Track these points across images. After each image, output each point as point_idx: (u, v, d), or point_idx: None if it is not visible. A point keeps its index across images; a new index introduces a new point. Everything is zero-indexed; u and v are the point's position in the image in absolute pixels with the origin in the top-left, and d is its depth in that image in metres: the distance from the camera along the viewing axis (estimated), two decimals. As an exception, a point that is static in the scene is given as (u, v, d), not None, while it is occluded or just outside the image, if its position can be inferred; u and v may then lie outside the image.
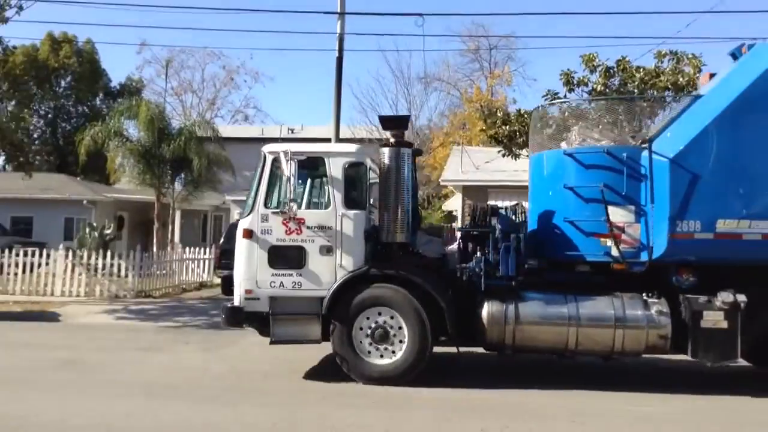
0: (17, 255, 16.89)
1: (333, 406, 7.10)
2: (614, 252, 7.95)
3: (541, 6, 44.13)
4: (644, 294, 7.97)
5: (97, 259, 16.94)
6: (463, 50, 39.32)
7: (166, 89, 38.73)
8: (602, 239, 8.00)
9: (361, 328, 7.98)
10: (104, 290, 16.55)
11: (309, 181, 8.57)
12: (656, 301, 7.85)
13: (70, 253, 17.11)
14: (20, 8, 15.81)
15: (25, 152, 25.14)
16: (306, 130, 35.99)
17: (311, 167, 8.31)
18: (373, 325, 7.97)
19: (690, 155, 7.68)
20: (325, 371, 8.48)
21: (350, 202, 8.18)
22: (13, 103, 33.12)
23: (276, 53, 67.37)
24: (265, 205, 8.14)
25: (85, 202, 28.96)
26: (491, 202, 10.32)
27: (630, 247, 7.93)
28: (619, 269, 8.05)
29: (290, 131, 36.19)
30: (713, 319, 7.63)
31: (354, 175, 8.31)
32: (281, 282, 8.04)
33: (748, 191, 7.61)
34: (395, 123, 8.54)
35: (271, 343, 8.12)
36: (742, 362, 8.12)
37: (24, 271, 16.74)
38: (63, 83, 41.77)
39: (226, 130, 32.76)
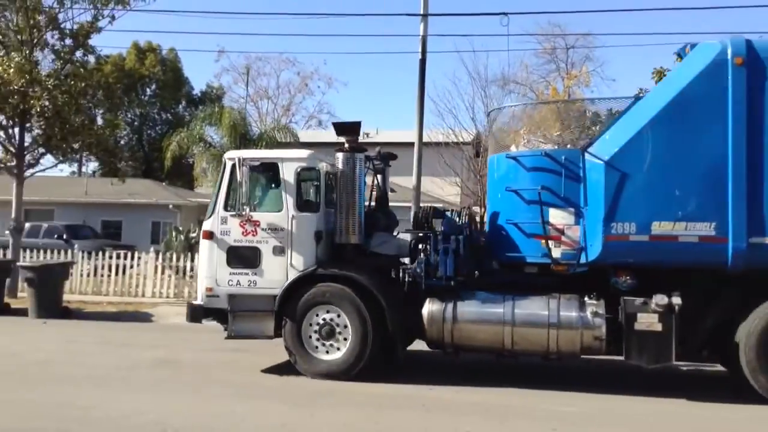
0: (110, 257, 17.67)
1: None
2: (554, 254, 8.02)
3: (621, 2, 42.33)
4: (586, 296, 7.98)
5: (184, 261, 17.27)
6: (539, 50, 38.72)
7: (247, 96, 40.36)
8: (542, 241, 8.09)
9: (311, 325, 8.44)
10: (192, 292, 16.59)
11: (265, 185, 9.08)
12: (594, 302, 7.87)
13: (159, 256, 17.61)
14: (113, 18, 16.73)
15: (118, 158, 27.00)
16: (381, 134, 36.58)
17: (266, 172, 8.85)
18: (320, 322, 8.42)
19: (625, 157, 7.66)
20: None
21: (302, 205, 8.68)
22: (103, 111, 35.55)
23: (349, 58, 67.60)
24: (225, 208, 8.76)
25: (170, 206, 30.78)
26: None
27: (570, 249, 7.99)
28: (559, 271, 8.11)
29: (366, 135, 36.88)
30: (647, 321, 7.57)
31: (306, 180, 8.79)
32: (238, 280, 8.63)
33: (684, 193, 7.51)
34: (348, 129, 8.94)
35: (227, 338, 8.74)
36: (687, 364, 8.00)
37: (116, 273, 17.47)
38: (148, 91, 44.41)
39: (301, 135, 33.86)
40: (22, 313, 13.93)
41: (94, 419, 6.53)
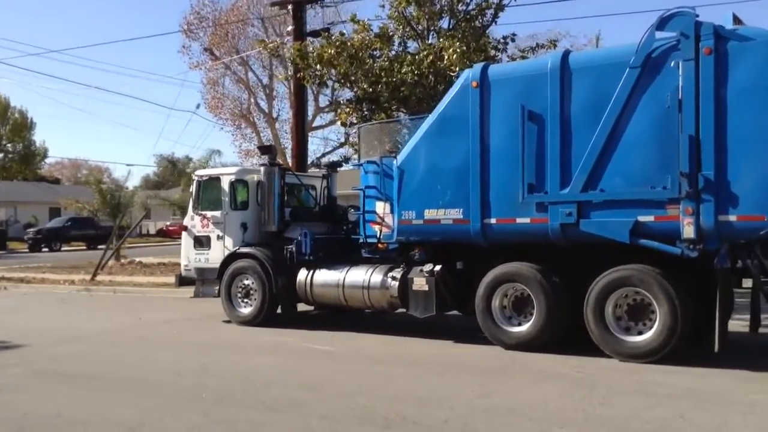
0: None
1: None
2: (378, 234, 10.88)
3: None
4: (399, 265, 10.69)
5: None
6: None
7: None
8: (374, 225, 10.97)
9: (236, 287, 12.22)
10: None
11: (213, 192, 12.98)
12: (396, 270, 10.58)
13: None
14: None
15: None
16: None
17: (215, 183, 12.79)
18: (242, 286, 12.16)
19: (408, 161, 10.26)
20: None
21: (234, 206, 12.52)
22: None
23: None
24: (193, 209, 12.93)
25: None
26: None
27: (389, 231, 10.77)
28: (383, 248, 10.95)
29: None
30: (419, 283, 10.15)
31: (237, 188, 12.61)
32: (199, 258, 12.76)
33: (442, 187, 9.93)
34: (266, 150, 12.62)
35: (193, 297, 12.90)
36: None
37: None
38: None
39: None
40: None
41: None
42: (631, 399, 6.63)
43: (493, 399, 6.73)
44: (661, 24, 8.28)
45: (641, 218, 8.31)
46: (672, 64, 8.19)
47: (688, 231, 7.97)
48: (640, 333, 8.44)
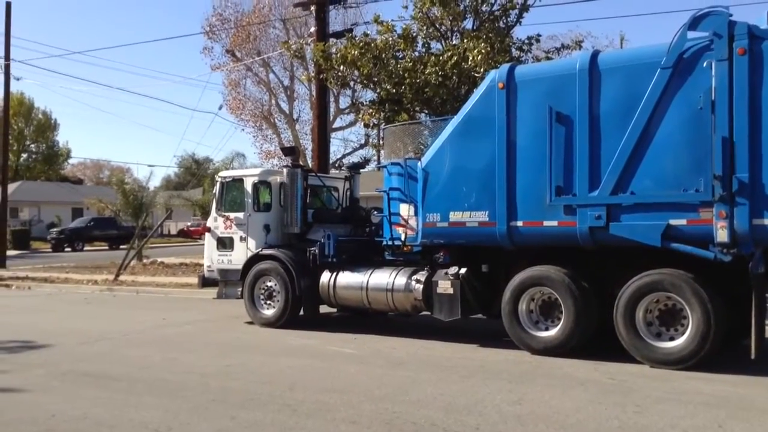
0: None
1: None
2: (402, 237, 10.80)
3: None
4: (423, 269, 10.60)
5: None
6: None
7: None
8: (398, 228, 10.89)
9: (259, 289, 12.18)
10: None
11: (236, 194, 12.95)
12: (420, 273, 10.48)
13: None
14: None
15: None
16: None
17: (238, 185, 12.77)
18: (265, 288, 12.12)
19: (433, 163, 10.18)
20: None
21: (257, 207, 12.48)
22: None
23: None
24: (216, 210, 12.91)
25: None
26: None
27: (413, 234, 10.68)
28: (407, 250, 10.86)
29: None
30: (443, 286, 10.05)
31: (260, 189, 12.57)
32: (222, 259, 12.74)
33: (467, 189, 9.82)
34: (289, 152, 12.55)
35: (216, 298, 12.88)
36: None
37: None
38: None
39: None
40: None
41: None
42: (666, 407, 6.47)
43: (523, 406, 6.61)
44: (694, 23, 8.12)
45: (673, 221, 8.14)
46: (704, 65, 8.02)
47: (722, 235, 7.80)
48: (671, 339, 8.28)
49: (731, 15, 7.94)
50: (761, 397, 6.85)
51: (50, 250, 42.70)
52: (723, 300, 8.10)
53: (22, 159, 69.51)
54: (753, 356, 7.59)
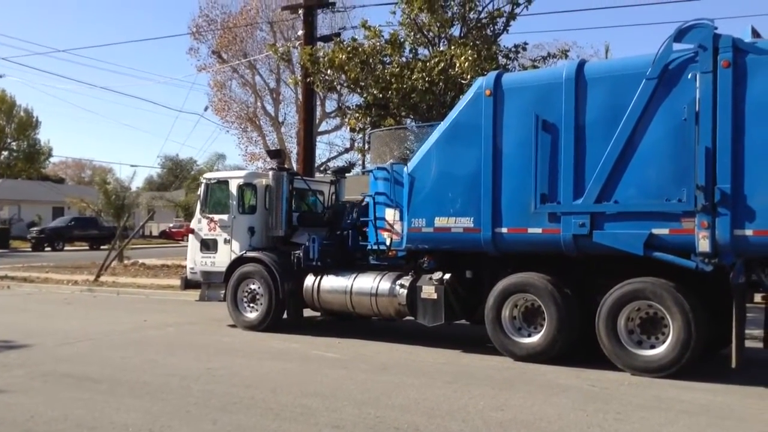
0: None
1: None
2: (387, 242, 10.79)
3: None
4: (408, 273, 10.60)
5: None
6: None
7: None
8: (383, 232, 10.89)
9: (242, 292, 12.12)
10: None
11: (221, 196, 12.91)
12: (404, 278, 10.49)
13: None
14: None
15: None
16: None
17: (223, 187, 12.72)
18: (248, 290, 12.06)
19: (419, 168, 10.18)
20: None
21: (242, 209, 12.44)
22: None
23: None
24: (200, 212, 12.85)
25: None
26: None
27: (398, 238, 10.68)
28: (392, 255, 10.86)
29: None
30: (428, 291, 10.06)
31: (245, 192, 12.52)
32: (206, 261, 12.67)
33: (453, 195, 9.84)
34: (275, 155, 12.53)
35: (198, 300, 12.80)
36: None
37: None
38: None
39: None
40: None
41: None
42: (646, 414, 6.53)
43: (506, 412, 6.63)
44: (679, 36, 8.22)
45: (655, 231, 8.22)
46: (689, 76, 8.12)
47: (704, 245, 7.89)
48: (652, 347, 8.35)
49: (716, 28, 8.05)
50: (741, 406, 6.92)
51: (30, 249, 42.23)
52: (704, 309, 8.18)
53: (2, 157, 68.77)
54: (733, 365, 7.68)
